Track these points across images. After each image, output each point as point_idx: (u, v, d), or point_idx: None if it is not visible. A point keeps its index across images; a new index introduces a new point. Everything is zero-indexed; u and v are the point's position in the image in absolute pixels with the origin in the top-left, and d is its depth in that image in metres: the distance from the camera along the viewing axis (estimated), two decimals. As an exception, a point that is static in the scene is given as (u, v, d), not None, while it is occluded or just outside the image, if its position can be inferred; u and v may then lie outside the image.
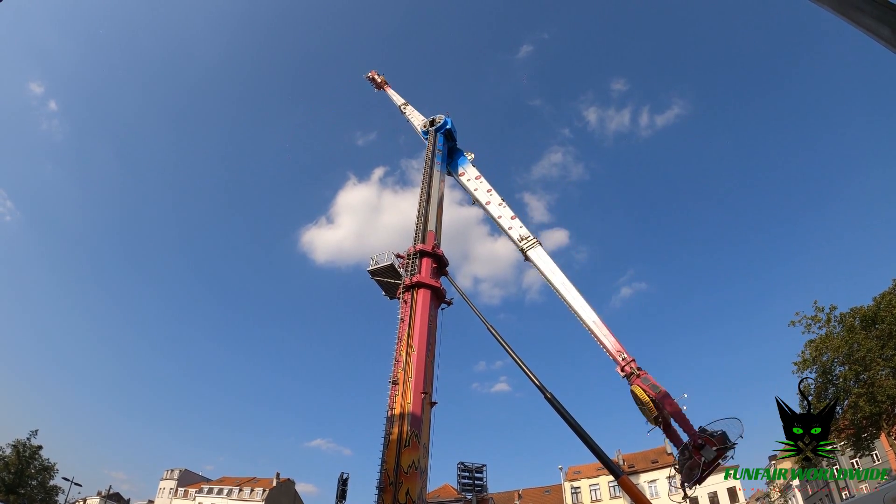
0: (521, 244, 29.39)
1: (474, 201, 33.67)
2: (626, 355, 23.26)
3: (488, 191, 32.99)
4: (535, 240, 29.22)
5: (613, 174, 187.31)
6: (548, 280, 27.36)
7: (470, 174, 34.40)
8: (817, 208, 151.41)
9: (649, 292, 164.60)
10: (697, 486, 21.16)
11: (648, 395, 21.23)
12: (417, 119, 40.52)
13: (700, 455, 19.65)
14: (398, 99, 44.96)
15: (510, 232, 30.39)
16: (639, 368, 22.68)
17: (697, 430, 20.50)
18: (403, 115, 42.90)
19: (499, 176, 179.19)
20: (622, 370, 22.97)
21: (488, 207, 32.08)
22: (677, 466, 21.73)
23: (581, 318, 25.27)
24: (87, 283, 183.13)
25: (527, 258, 29.02)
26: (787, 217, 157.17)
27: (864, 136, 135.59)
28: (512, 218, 30.99)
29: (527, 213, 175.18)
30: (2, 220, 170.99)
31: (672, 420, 21.33)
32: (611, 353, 23.70)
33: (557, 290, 26.78)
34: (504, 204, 32.03)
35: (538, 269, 28.19)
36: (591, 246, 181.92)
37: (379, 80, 48.80)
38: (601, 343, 24.27)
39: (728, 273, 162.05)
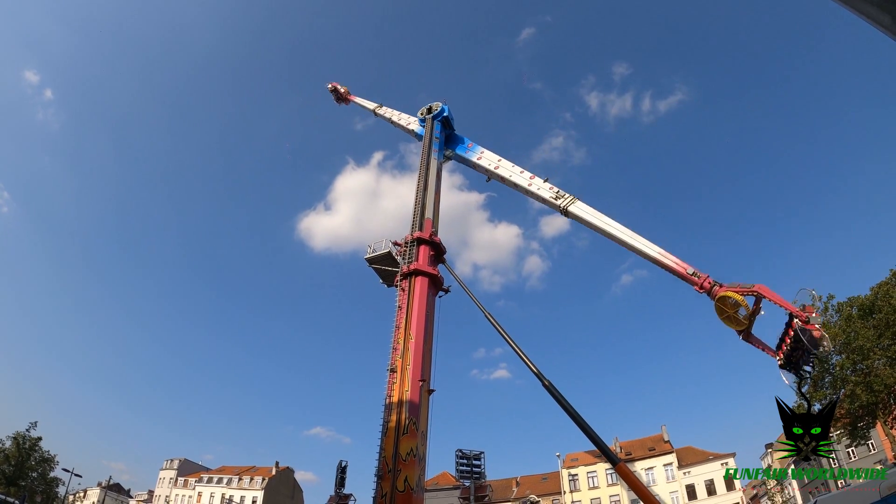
0: (559, 203, 28.91)
1: (490, 178, 33.20)
2: (699, 274, 23.21)
3: (512, 165, 32.67)
4: (572, 196, 28.93)
5: (615, 160, 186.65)
6: (600, 230, 27.32)
7: (489, 157, 33.70)
8: (817, 198, 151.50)
9: (649, 280, 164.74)
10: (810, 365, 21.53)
11: (743, 293, 21.19)
12: (398, 115, 39.86)
13: (812, 324, 19.70)
14: (369, 104, 43.82)
15: (542, 193, 29.94)
16: (716, 282, 22.59)
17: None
18: (381, 118, 42.02)
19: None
20: (701, 287, 22.86)
21: (514, 179, 31.50)
22: (786, 355, 21.10)
23: (646, 255, 25.32)
24: (84, 273, 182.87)
25: (568, 215, 28.71)
26: (786, 207, 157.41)
27: (864, 126, 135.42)
28: (545, 180, 30.62)
29: (527, 199, 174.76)
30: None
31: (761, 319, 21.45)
32: (686, 276, 23.60)
33: (613, 236, 26.77)
34: (525, 171, 31.67)
35: (586, 222, 28.02)
36: (593, 233, 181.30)
37: (342, 91, 46.85)
38: (673, 269, 24.23)
39: (727, 261, 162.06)
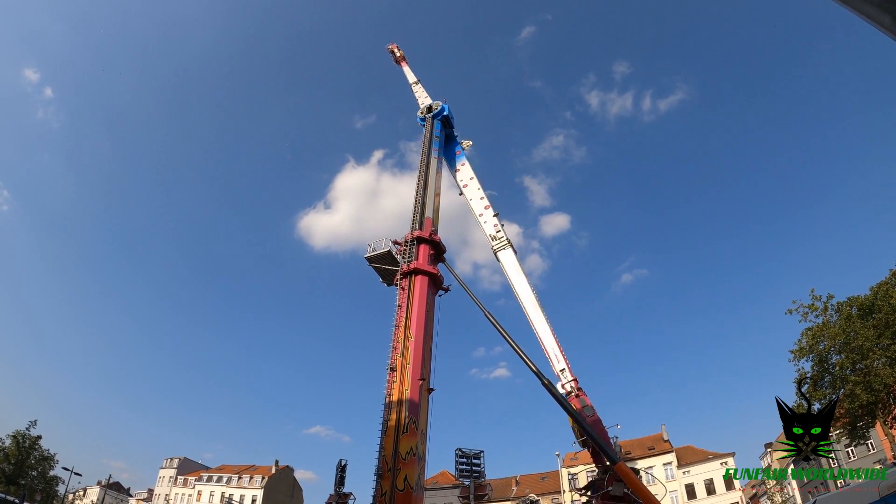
0: (493, 244, 30.17)
1: (461, 193, 34.64)
2: (569, 374, 24.40)
3: (477, 189, 33.91)
4: (507, 242, 29.69)
5: (615, 159, 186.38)
6: (511, 284, 28.60)
7: (464, 173, 35.02)
8: (817, 198, 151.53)
9: (650, 279, 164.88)
10: None
11: (582, 416, 22.54)
12: (423, 100, 40.89)
13: (613, 484, 20.88)
14: (412, 76, 45.25)
15: (485, 227, 31.14)
16: (579, 389, 23.79)
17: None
18: (412, 94, 43.42)
19: (499, 159, 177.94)
20: (563, 387, 24.06)
21: (472, 203, 32.90)
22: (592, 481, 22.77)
23: (535, 330, 26.44)
24: (84, 273, 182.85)
25: (497, 258, 29.92)
26: (787, 206, 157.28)
27: (865, 126, 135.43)
28: (495, 214, 31.74)
29: (527, 197, 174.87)
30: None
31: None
32: (555, 370, 24.75)
33: (518, 297, 28.06)
34: (485, 198, 32.77)
35: (504, 271, 29.20)
36: (592, 231, 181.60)
37: (398, 55, 48.62)
38: (549, 357, 25.26)
39: (728, 261, 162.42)
